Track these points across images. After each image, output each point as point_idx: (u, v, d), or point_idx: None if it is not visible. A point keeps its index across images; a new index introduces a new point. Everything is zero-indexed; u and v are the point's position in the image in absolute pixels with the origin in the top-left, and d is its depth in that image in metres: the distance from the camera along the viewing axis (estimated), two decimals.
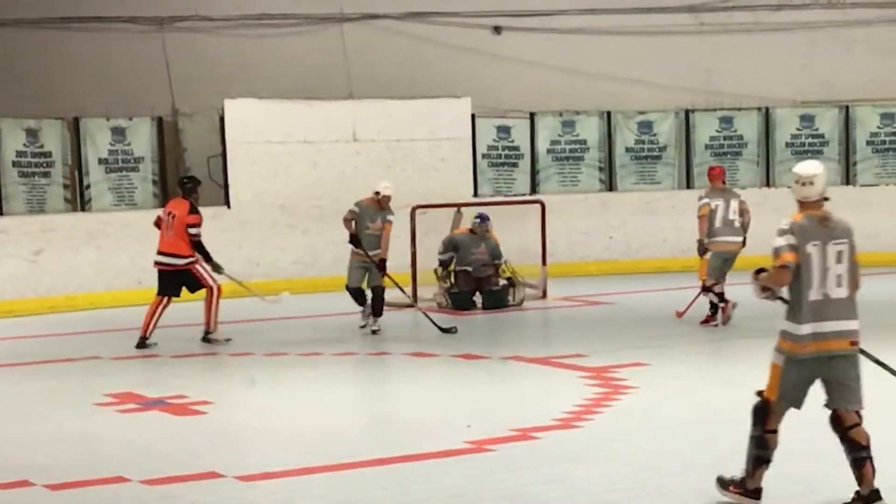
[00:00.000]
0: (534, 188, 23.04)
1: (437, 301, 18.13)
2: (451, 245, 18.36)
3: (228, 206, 20.78)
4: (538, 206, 20.21)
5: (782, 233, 7.62)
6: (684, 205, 22.03)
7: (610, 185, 23.40)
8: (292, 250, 20.97)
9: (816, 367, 7.62)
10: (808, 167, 7.78)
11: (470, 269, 18.17)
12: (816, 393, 7.68)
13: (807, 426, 8.18)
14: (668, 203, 22.61)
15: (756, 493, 7.81)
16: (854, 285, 7.70)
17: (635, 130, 23.65)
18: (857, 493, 7.64)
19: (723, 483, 7.97)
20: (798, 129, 23.78)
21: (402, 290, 16.70)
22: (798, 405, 7.71)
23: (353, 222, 15.74)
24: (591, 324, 16.73)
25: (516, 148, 23.19)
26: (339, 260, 17.27)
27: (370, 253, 15.61)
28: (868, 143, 23.74)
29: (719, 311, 15.68)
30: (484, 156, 22.80)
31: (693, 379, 12.90)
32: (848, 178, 23.63)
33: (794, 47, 24.45)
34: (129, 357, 14.65)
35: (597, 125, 23.60)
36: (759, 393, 7.79)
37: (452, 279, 18.31)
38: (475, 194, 21.98)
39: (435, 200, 20.05)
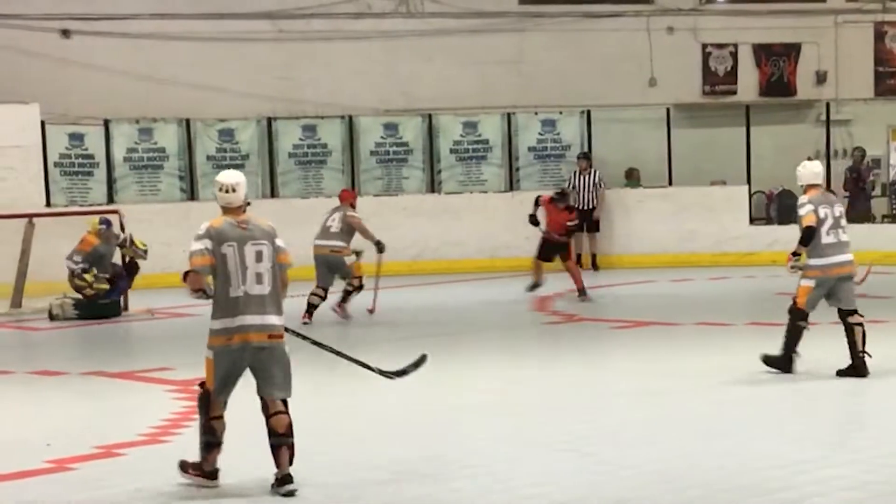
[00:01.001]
0: (111, 197, 22.05)
1: (55, 313, 17.48)
2: (90, 257, 17.74)
3: None
4: (116, 217, 19.30)
5: (198, 237, 8.20)
6: (267, 214, 21.53)
7: (192, 194, 22.66)
8: None
9: (241, 357, 8.26)
10: (232, 176, 8.43)
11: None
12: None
13: None
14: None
15: (213, 475, 8.35)
16: (278, 283, 8.36)
17: (216, 138, 23.02)
18: (274, 475, 8.19)
19: (183, 466, 8.45)
20: (382, 138, 23.65)
21: None
22: (230, 391, 8.35)
23: None
24: (178, 336, 15.94)
25: (91, 156, 22.29)
26: None
27: None
28: (452, 150, 23.79)
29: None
30: (56, 164, 21.81)
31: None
32: (433, 186, 23.62)
33: (374, 56, 24.37)
34: None
35: (176, 132, 22.85)
36: (202, 384, 8.39)
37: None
38: (48, 204, 20.95)
39: (3, 211, 19.06)
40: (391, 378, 9.76)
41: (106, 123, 22.47)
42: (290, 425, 8.23)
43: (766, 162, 24.02)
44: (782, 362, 11.89)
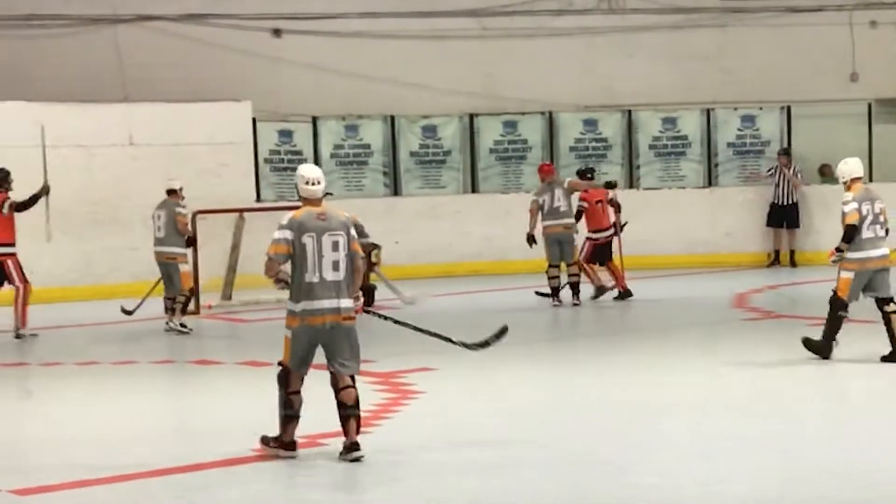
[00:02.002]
0: None
1: None
2: None
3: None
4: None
5: (280, 227, 8.96)
6: (469, 209, 22.00)
7: (395, 190, 23.18)
8: (66, 257, 20.14)
9: (316, 336, 9.02)
10: (315, 170, 9.30)
11: None
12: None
13: None
14: (453, 207, 22.44)
15: (291, 446, 9.09)
16: (352, 270, 9.00)
17: (419, 135, 23.48)
18: (343, 443, 8.94)
19: (265, 440, 9.19)
20: (582, 133, 23.88)
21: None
22: (307, 368, 9.15)
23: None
24: (378, 329, 16.38)
25: (299, 152, 22.86)
26: (114, 267, 16.70)
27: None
28: (650, 147, 23.91)
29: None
30: (266, 160, 22.44)
31: (481, 382, 12.68)
32: (632, 181, 23.77)
33: (575, 52, 24.57)
34: None
35: (381, 129, 23.37)
36: (280, 363, 9.17)
37: None
38: (258, 199, 21.60)
39: (216, 206, 19.55)
40: (474, 350, 10.21)
41: (314, 120, 23.00)
42: (357, 398, 9.00)
43: None
44: (821, 347, 12.78)
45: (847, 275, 12.64)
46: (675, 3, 24.60)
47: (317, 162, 22.77)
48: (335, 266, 8.95)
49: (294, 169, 22.27)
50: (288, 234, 8.94)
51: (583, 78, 24.53)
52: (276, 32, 23.78)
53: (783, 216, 22.08)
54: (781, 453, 9.05)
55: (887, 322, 12.58)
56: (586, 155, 23.74)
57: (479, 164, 23.62)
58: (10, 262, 15.77)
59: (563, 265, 17.68)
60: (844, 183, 12.75)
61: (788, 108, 23.95)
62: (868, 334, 13.09)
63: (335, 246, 8.93)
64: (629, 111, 24.06)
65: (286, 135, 22.79)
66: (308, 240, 8.88)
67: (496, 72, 24.39)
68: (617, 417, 10.59)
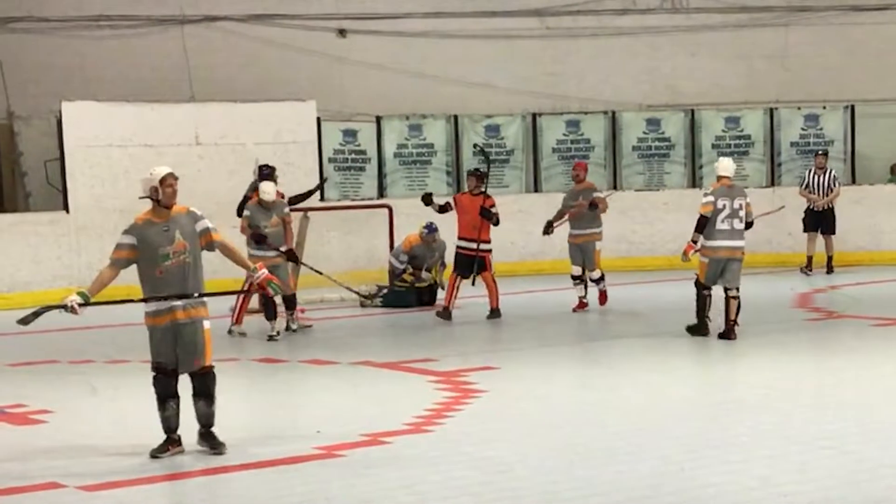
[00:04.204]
0: (381, 192, 22.83)
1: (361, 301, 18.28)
2: (408, 256, 18.72)
3: (67, 211, 20.23)
4: (386, 211, 20.05)
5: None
6: (533, 208, 22.04)
7: (457, 189, 23.26)
8: None
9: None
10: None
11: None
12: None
13: None
14: (516, 206, 22.51)
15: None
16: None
17: (483, 134, 23.58)
18: None
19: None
20: (645, 133, 23.89)
21: (317, 272, 16.81)
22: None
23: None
24: (441, 328, 16.54)
25: (363, 152, 23.00)
26: None
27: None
28: (713, 146, 23.89)
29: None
30: (330, 160, 22.55)
31: (542, 382, 12.75)
32: (694, 181, 23.76)
33: (638, 51, 24.60)
34: None
35: (444, 129, 23.49)
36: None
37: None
38: (322, 199, 21.68)
39: None
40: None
41: (378, 120, 23.14)
42: None
43: None
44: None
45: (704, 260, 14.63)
46: (739, 2, 24.60)
47: (380, 161, 22.95)
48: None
49: (358, 168, 22.74)
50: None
51: (646, 77, 24.58)
52: (342, 32, 23.93)
53: (819, 221, 21.61)
54: (846, 455, 9.06)
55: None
56: (649, 154, 23.79)
57: (541, 164, 23.68)
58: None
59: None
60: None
61: (852, 108, 23.87)
62: None
63: None
64: (692, 110, 24.06)
65: (350, 134, 22.91)
66: None
67: (559, 71, 24.47)
68: (680, 417, 10.63)
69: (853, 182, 23.91)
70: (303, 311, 16.94)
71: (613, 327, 16.52)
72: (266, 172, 16.12)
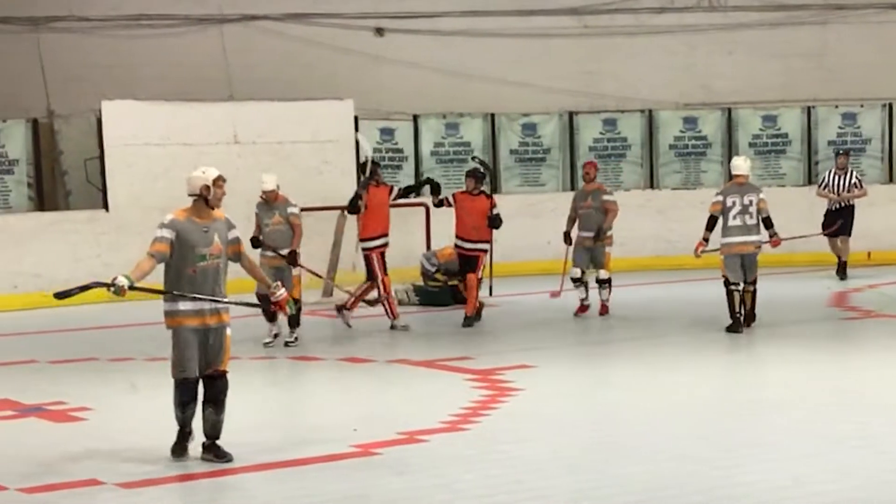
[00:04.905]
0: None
1: (399, 298, 18.16)
2: (440, 264, 18.88)
3: (107, 210, 20.40)
4: (423, 209, 20.12)
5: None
6: (568, 207, 22.06)
7: (494, 187, 23.30)
8: None
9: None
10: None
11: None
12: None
13: None
14: (552, 205, 22.53)
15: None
16: None
17: (519, 132, 23.64)
18: None
19: None
20: (681, 132, 23.90)
21: (318, 275, 16.90)
22: None
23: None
24: (477, 326, 16.60)
25: (400, 150, 23.07)
26: None
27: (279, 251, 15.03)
28: (750, 144, 23.87)
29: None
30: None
31: (578, 380, 12.82)
32: (731, 179, 23.62)
33: (675, 50, 24.59)
34: (5, 363, 14.25)
35: (481, 127, 23.54)
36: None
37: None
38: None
39: (318, 203, 19.96)
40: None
41: (415, 118, 23.21)
42: None
43: None
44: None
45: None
46: (776, 1, 24.54)
47: (417, 159, 23.02)
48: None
49: (396, 166, 22.82)
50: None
51: (683, 75, 24.56)
52: (379, 31, 23.98)
53: (836, 222, 20.91)
54: (881, 454, 9.09)
55: None
56: (686, 153, 23.78)
57: (578, 162, 23.65)
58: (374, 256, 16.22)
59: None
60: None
61: (890, 106, 23.82)
62: None
63: None
64: (729, 109, 24.04)
65: (388, 133, 22.99)
66: None
67: (596, 69, 24.46)
68: (714, 416, 10.68)
69: (890, 181, 23.86)
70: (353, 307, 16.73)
71: (652, 326, 16.52)
72: (372, 170, 16.16)
